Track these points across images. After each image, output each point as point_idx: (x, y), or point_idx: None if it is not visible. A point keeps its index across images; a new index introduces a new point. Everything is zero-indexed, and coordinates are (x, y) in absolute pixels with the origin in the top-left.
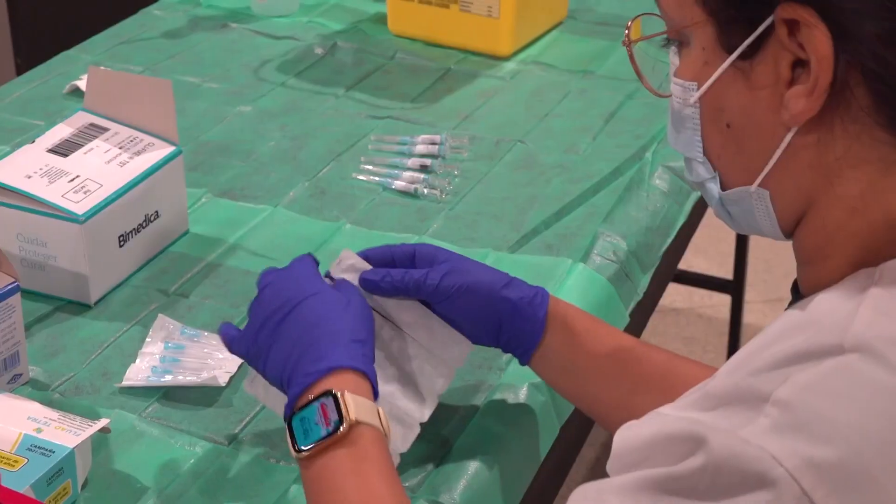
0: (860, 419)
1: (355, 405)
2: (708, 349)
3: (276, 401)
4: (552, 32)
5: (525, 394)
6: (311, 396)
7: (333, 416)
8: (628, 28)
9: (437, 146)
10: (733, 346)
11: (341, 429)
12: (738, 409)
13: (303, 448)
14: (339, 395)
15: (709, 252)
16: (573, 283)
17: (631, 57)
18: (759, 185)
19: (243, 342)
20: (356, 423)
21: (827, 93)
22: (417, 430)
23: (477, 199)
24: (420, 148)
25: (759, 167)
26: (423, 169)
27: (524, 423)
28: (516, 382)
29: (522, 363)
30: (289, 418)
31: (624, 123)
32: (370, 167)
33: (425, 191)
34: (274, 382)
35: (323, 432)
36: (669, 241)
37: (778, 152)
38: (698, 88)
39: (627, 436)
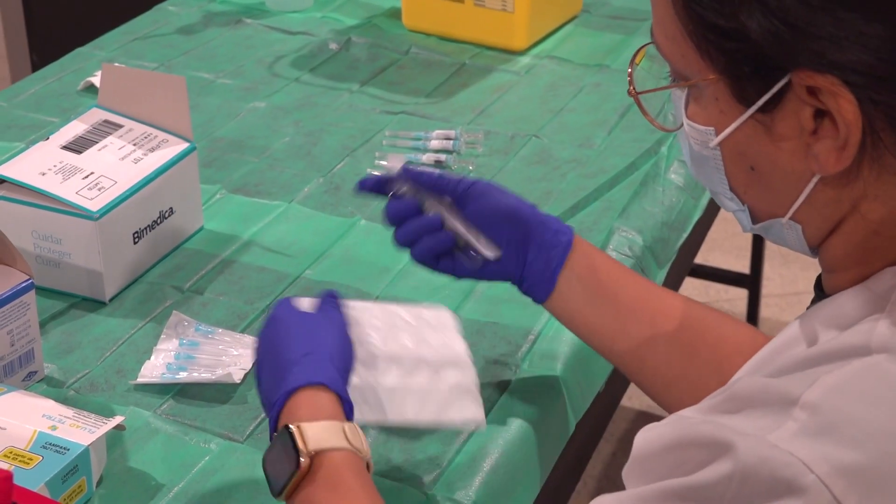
0: (890, 421)
1: (312, 434)
2: None
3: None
4: (567, 27)
5: (540, 391)
6: (274, 434)
7: (292, 454)
8: (631, 67)
9: (451, 141)
10: None
11: (301, 464)
12: (765, 412)
13: (276, 492)
14: (293, 430)
15: (725, 246)
16: None
17: (638, 103)
18: (790, 219)
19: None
20: (316, 454)
21: (858, 147)
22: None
23: None
24: (435, 143)
25: (787, 203)
26: (438, 164)
27: (539, 421)
28: (531, 380)
29: (543, 297)
30: (263, 458)
31: (639, 118)
32: (385, 163)
33: None
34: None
35: (288, 472)
36: (685, 235)
37: (805, 193)
38: (716, 134)
39: (649, 438)
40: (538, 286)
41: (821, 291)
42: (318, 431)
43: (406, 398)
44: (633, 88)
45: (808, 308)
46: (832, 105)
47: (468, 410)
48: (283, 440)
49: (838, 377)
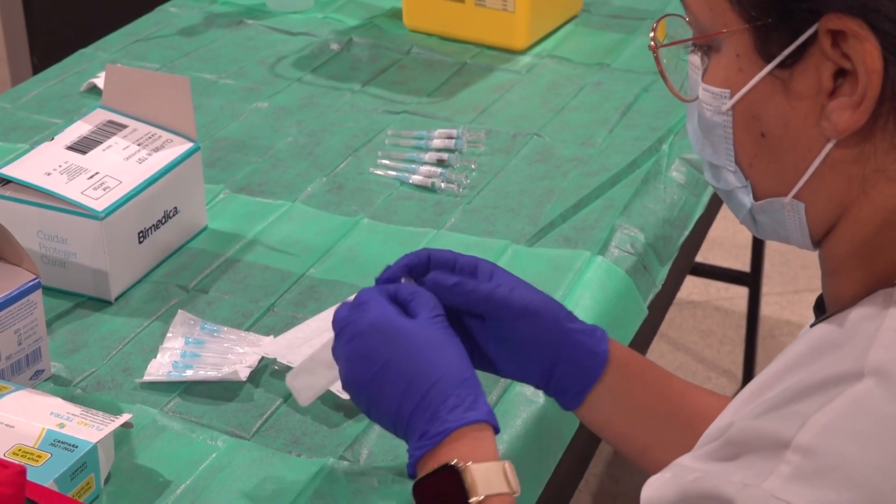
0: (884, 458)
1: (480, 477)
2: (725, 342)
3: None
4: (567, 26)
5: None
6: (434, 464)
7: (459, 494)
8: (654, 30)
9: (453, 140)
10: (750, 338)
11: None
12: (758, 457)
13: None
14: (461, 469)
15: (725, 244)
16: (591, 276)
17: (657, 61)
18: (794, 197)
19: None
20: (485, 499)
21: (874, 106)
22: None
23: (494, 193)
24: (437, 142)
25: (794, 177)
26: (440, 163)
27: (542, 420)
28: None
29: (570, 407)
30: (414, 479)
31: (640, 116)
32: (387, 162)
33: (442, 185)
34: (388, 429)
35: None
36: (687, 233)
37: (816, 163)
38: (731, 96)
39: (651, 496)
40: (565, 400)
41: (819, 312)
42: (485, 474)
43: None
44: (654, 43)
45: (804, 332)
46: (856, 52)
47: None
48: (446, 477)
49: (829, 416)
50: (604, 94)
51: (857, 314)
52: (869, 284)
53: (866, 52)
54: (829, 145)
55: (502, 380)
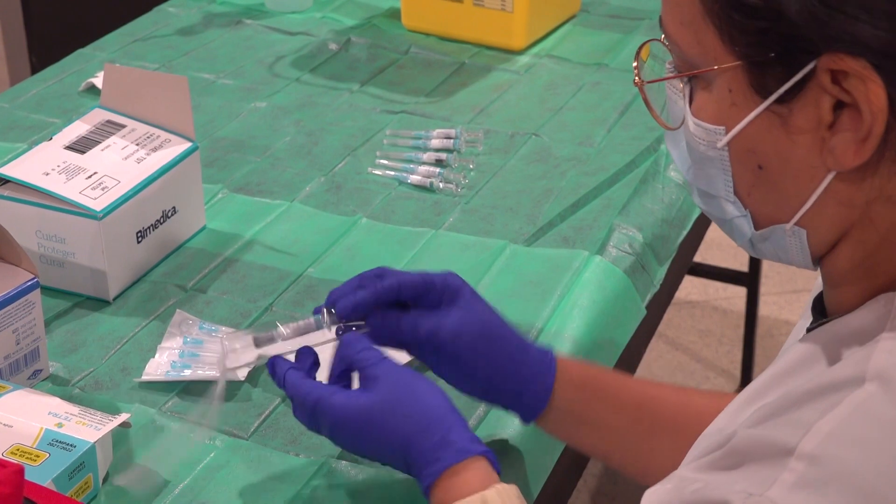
0: (888, 465)
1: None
2: (723, 342)
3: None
4: (565, 26)
5: None
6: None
7: None
8: (637, 63)
9: (452, 140)
10: (749, 338)
11: None
12: (761, 466)
13: None
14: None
15: (723, 244)
16: (590, 276)
17: (643, 93)
18: (795, 223)
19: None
20: None
21: (879, 142)
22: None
23: (492, 193)
24: (435, 142)
25: (795, 206)
26: (439, 163)
27: None
28: None
29: (527, 420)
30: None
31: (638, 115)
32: (385, 162)
33: (441, 185)
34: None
35: None
36: (685, 232)
37: (817, 193)
38: (726, 132)
39: None
40: (521, 416)
41: (817, 313)
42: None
43: None
44: (640, 78)
45: (807, 330)
46: (859, 91)
47: None
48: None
49: (832, 422)
50: (602, 94)
51: (857, 318)
52: (871, 295)
53: (871, 91)
54: (831, 176)
55: None
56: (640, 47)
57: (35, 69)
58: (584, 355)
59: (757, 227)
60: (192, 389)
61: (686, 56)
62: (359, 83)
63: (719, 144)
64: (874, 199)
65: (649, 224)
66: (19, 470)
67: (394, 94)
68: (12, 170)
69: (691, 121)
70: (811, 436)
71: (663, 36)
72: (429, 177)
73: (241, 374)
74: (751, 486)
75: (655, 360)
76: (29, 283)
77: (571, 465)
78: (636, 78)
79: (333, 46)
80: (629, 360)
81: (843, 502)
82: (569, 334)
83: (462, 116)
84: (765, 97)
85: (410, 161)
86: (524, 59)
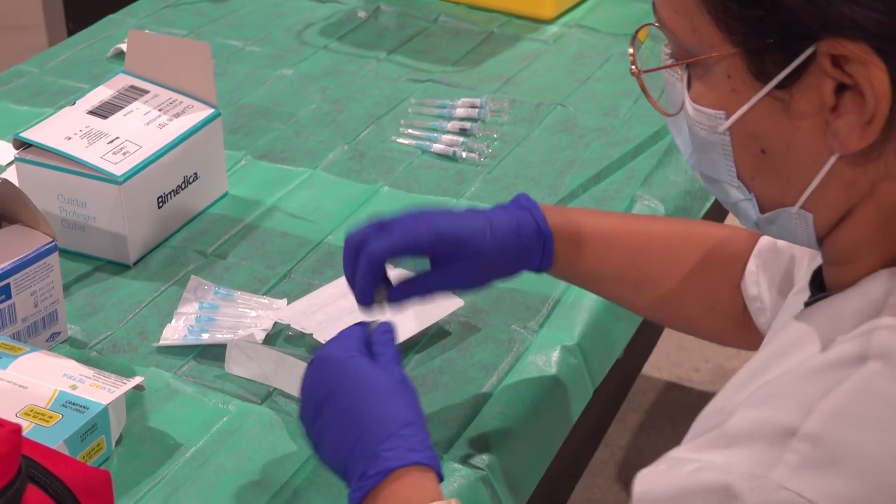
0: (892, 443)
1: None
2: None
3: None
4: None
5: (557, 356)
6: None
7: None
8: (632, 51)
9: (476, 109)
10: None
11: None
12: (762, 446)
13: None
14: None
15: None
16: None
17: (640, 82)
18: (801, 207)
19: (303, 424)
20: None
21: (883, 124)
22: None
23: (515, 163)
24: (460, 111)
25: (799, 188)
26: (463, 132)
27: (556, 387)
28: (548, 344)
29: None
30: None
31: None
32: (410, 130)
33: (464, 154)
34: (332, 470)
35: None
36: (709, 204)
37: (820, 176)
38: (726, 118)
39: (648, 490)
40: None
41: (815, 288)
42: None
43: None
44: (636, 67)
45: (805, 306)
46: (861, 76)
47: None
48: None
49: (836, 402)
50: (629, 65)
51: (858, 294)
52: (872, 272)
53: (873, 76)
54: (834, 158)
55: (514, 350)
56: (635, 34)
57: (72, 35)
58: (600, 326)
59: (762, 210)
60: (208, 353)
61: (682, 43)
62: (386, 51)
63: (720, 129)
64: (879, 180)
65: (672, 196)
66: (16, 429)
67: (421, 63)
68: (35, 134)
69: (690, 106)
70: (815, 416)
71: (658, 23)
72: (452, 146)
73: (259, 338)
74: (752, 466)
75: (662, 342)
76: (47, 247)
77: (589, 434)
78: (633, 67)
79: (363, 14)
80: (646, 328)
81: (849, 483)
82: (585, 304)
83: (488, 86)
84: (764, 83)
85: (434, 130)
86: (553, 29)
